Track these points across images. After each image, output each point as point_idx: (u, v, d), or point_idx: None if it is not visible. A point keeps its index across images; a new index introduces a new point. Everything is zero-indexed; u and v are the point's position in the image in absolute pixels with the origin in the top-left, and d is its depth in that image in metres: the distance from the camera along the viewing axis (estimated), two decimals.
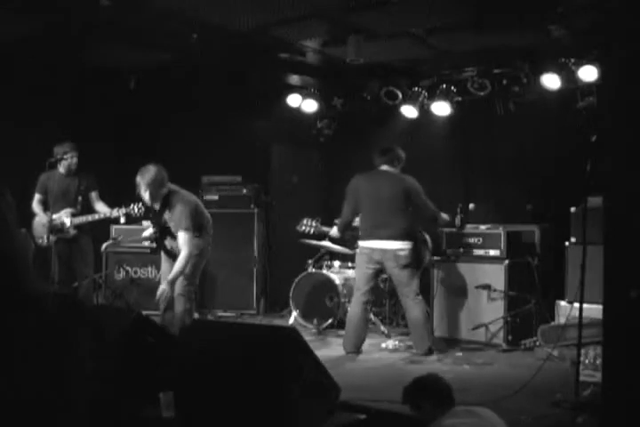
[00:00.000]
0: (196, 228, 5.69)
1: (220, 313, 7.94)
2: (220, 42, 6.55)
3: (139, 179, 5.62)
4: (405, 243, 5.93)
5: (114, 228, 7.64)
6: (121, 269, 7.84)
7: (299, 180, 8.90)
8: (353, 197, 6.12)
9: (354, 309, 6.11)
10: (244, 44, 6.67)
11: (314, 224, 6.58)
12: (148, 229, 6.12)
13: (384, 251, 5.93)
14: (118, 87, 7.64)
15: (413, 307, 5.96)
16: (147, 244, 7.75)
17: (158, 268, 7.87)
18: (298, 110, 8.20)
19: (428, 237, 6.53)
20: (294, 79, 8.04)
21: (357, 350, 6.02)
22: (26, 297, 1.16)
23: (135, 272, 7.83)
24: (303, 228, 6.61)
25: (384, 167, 6.14)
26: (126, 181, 5.97)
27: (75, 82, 7.34)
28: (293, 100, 8.14)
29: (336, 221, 6.57)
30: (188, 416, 3.21)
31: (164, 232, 5.80)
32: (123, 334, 3.37)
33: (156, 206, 5.71)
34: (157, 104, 7.88)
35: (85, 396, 1.18)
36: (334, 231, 6.47)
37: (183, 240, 5.55)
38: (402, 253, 5.90)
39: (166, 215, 5.67)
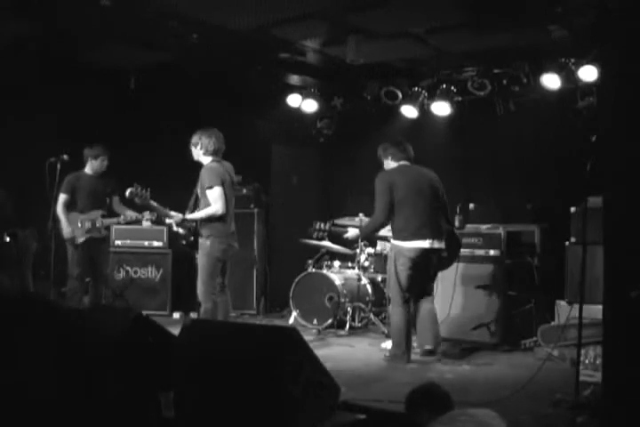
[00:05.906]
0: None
1: None
2: (220, 42, 6.55)
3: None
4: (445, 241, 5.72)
5: (114, 227, 7.64)
6: (121, 269, 7.85)
7: (299, 180, 8.90)
8: (390, 195, 5.50)
9: (403, 312, 5.60)
10: (244, 44, 6.67)
11: (326, 228, 6.05)
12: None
13: (432, 250, 5.60)
14: (118, 87, 7.64)
15: (427, 302, 5.75)
16: (147, 243, 7.78)
17: (158, 268, 7.91)
18: (298, 110, 8.20)
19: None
20: (294, 79, 8.04)
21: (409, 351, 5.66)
22: None
23: (135, 272, 7.83)
24: (315, 233, 6.13)
25: (406, 162, 5.74)
26: (125, 182, 5.97)
27: (75, 82, 7.34)
28: (293, 100, 8.14)
29: (335, 221, 6.36)
30: (188, 416, 3.21)
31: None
32: (123, 333, 3.37)
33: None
34: (157, 104, 7.88)
35: (45, 397, 1.17)
36: (353, 234, 5.98)
37: (212, 198, 5.37)
38: (444, 253, 5.70)
39: (198, 187, 5.50)
